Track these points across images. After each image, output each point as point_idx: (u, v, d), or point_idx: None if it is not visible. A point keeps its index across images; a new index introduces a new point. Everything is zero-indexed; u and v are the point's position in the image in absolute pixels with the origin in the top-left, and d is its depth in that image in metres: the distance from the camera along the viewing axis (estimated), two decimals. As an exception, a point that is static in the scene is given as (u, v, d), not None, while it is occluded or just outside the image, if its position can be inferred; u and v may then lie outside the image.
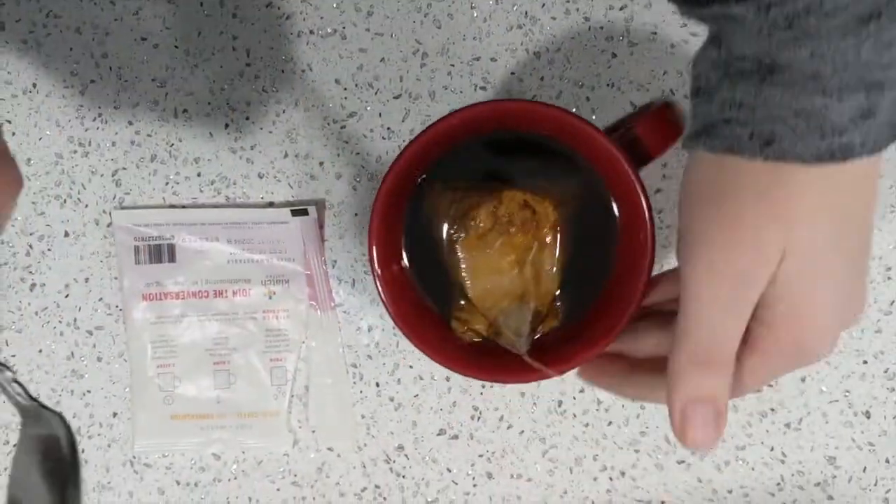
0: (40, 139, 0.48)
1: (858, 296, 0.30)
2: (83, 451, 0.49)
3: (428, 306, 0.41)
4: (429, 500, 0.49)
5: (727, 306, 0.29)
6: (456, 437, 0.48)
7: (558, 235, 0.40)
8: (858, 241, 0.29)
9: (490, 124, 0.38)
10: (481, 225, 0.40)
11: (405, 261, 0.41)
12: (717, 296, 0.29)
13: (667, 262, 0.47)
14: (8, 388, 0.48)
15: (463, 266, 0.40)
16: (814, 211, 0.28)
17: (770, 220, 0.28)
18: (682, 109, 0.39)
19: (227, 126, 0.48)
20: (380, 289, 0.38)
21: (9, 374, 0.47)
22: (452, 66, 0.47)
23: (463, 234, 0.40)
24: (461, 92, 0.47)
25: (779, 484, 0.48)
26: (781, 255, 0.28)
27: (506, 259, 0.40)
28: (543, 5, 0.46)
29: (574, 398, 0.48)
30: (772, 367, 0.30)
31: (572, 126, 0.37)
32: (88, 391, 0.49)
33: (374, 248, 0.38)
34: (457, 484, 0.48)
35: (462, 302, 0.40)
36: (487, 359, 0.40)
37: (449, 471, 0.48)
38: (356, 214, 0.48)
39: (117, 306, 0.48)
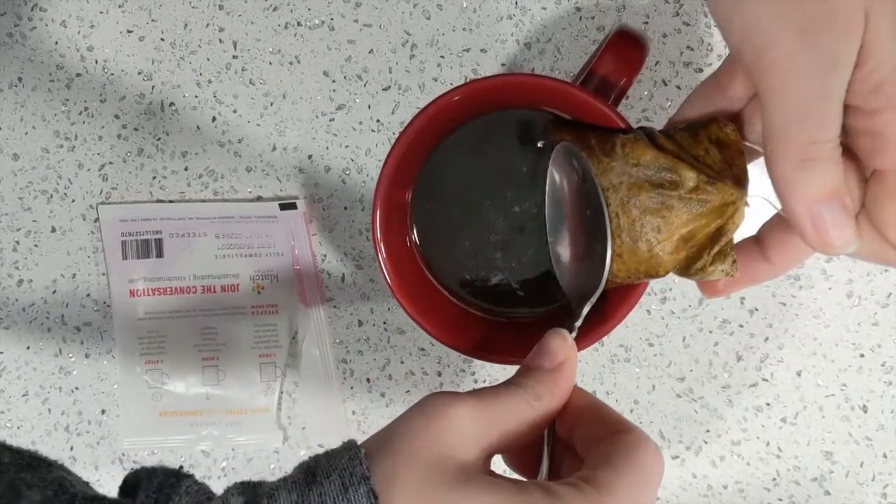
0: (26, 133, 0.48)
1: None
2: (72, 449, 0.49)
3: (429, 278, 0.40)
4: (421, 496, 0.48)
5: (821, 95, 0.27)
6: (448, 432, 0.48)
7: None
8: None
9: (480, 103, 0.37)
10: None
11: (414, 234, 0.40)
12: (807, 87, 0.27)
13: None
14: None
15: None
16: None
17: None
18: (635, 29, 0.37)
19: (214, 119, 0.47)
20: (382, 259, 0.37)
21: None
22: (442, 57, 0.46)
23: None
24: (451, 84, 0.46)
25: (774, 479, 0.47)
26: (864, 18, 0.26)
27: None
28: (534, -5, 0.46)
29: (567, 393, 0.47)
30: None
31: (550, 89, 0.36)
32: (76, 388, 0.49)
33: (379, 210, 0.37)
34: (449, 480, 0.48)
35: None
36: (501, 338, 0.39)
37: (441, 467, 0.48)
38: (346, 208, 0.47)
39: (105, 302, 0.48)
